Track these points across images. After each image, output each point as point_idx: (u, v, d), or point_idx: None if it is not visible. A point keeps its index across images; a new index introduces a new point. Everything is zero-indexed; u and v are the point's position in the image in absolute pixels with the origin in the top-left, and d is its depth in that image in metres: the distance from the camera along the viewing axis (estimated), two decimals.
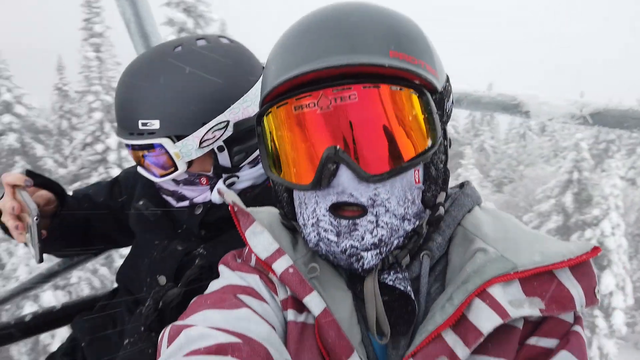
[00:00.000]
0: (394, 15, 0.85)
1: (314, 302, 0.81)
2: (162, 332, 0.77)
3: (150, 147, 1.27)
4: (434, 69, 0.84)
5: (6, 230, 1.34)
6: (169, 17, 14.52)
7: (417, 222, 0.85)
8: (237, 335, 0.72)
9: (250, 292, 0.87)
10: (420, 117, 0.81)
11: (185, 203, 1.41)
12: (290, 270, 0.84)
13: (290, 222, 0.93)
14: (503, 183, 34.47)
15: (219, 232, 1.40)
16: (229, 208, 0.94)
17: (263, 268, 0.91)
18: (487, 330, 0.73)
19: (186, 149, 1.27)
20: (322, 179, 0.80)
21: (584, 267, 0.78)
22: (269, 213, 0.98)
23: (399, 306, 0.82)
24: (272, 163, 0.89)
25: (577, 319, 0.81)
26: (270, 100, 0.85)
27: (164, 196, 1.44)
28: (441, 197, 0.88)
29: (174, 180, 1.35)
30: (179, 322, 0.77)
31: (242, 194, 1.40)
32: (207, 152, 1.29)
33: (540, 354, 0.77)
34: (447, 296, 0.78)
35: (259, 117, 0.88)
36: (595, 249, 0.78)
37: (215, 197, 1.37)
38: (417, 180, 0.85)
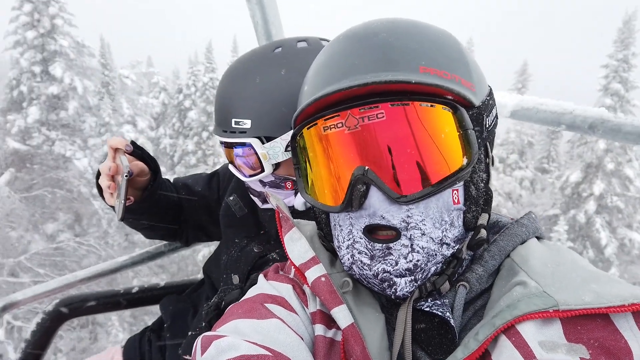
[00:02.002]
0: (427, 30, 0.82)
1: (342, 314, 0.78)
2: (195, 341, 0.78)
3: (242, 145, 1.29)
4: (470, 82, 0.79)
5: (101, 192, 1.44)
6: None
7: (458, 247, 0.80)
8: (265, 347, 0.71)
9: (281, 302, 0.86)
10: (454, 134, 0.76)
11: (270, 205, 1.40)
12: (323, 279, 0.82)
13: (329, 243, 0.91)
14: None
15: None
16: (275, 212, 0.94)
17: (298, 278, 0.90)
18: None
19: (273, 151, 1.28)
20: (353, 201, 0.78)
21: None
22: (314, 226, 0.97)
23: (439, 335, 0.78)
24: (307, 184, 0.88)
25: None
26: (301, 122, 0.84)
27: (252, 196, 1.46)
28: (483, 218, 0.82)
29: (260, 181, 1.36)
30: (210, 333, 0.77)
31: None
32: None
33: None
34: (475, 331, 0.71)
35: (293, 138, 0.87)
36: None
37: (298, 203, 1.36)
38: (456, 201, 0.79)
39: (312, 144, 0.83)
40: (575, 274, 0.73)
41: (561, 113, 1.38)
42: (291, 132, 1.20)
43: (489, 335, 0.68)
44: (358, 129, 0.76)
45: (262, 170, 1.31)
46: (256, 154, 1.29)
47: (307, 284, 0.84)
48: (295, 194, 1.36)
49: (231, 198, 1.54)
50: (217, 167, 1.82)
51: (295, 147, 0.88)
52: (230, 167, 1.41)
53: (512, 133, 23.30)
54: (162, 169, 1.49)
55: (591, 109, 1.29)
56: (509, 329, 0.68)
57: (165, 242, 1.99)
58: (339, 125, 0.77)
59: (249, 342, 0.71)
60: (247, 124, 1.27)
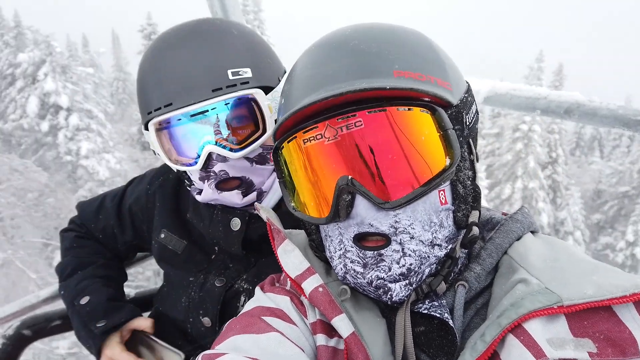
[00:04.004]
0: (399, 33, 0.81)
1: (343, 324, 0.78)
2: None
3: (237, 102, 1.10)
4: (446, 82, 0.79)
5: None
6: None
7: (450, 246, 0.80)
8: None
9: (279, 315, 0.85)
10: (435, 135, 0.76)
11: (252, 197, 1.22)
12: (320, 289, 0.82)
13: (322, 254, 0.90)
14: None
15: (259, 253, 1.27)
16: (267, 225, 0.91)
17: (295, 289, 0.88)
18: None
19: (276, 102, 1.13)
20: (340, 211, 0.77)
21: None
22: (305, 236, 0.95)
23: (439, 337, 0.78)
24: (292, 197, 0.87)
25: None
26: (281, 135, 0.83)
27: (218, 198, 1.21)
28: (474, 216, 0.82)
29: (247, 159, 1.17)
30: (209, 351, 0.75)
31: (277, 207, 1.28)
32: None
33: None
34: (481, 332, 0.71)
35: (274, 152, 0.86)
36: None
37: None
38: (443, 201, 0.79)
39: (294, 158, 0.82)
40: (574, 267, 0.74)
41: (535, 98, 1.39)
42: (282, 83, 1.19)
43: (496, 336, 0.68)
44: (337, 139, 0.76)
45: (264, 131, 1.13)
46: (259, 109, 1.11)
47: (305, 295, 0.83)
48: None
49: (162, 236, 1.37)
50: None
51: (278, 160, 0.87)
52: (211, 149, 1.12)
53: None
54: None
55: (566, 94, 1.31)
56: (516, 328, 0.68)
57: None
58: (318, 136, 0.77)
59: (249, 358, 0.70)
60: (247, 72, 1.10)
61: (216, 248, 1.33)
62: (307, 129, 0.78)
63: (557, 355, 0.64)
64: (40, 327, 1.69)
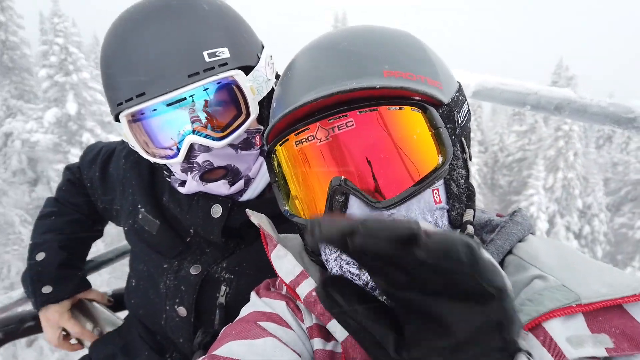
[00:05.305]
0: (388, 34, 0.82)
1: (339, 328, 0.78)
2: None
3: (218, 86, 1.01)
4: (437, 81, 0.79)
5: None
6: None
7: None
8: None
9: (275, 319, 0.85)
10: (426, 134, 0.76)
11: (239, 185, 1.16)
12: (314, 293, 0.81)
13: (317, 257, 0.89)
14: None
15: (240, 240, 1.22)
16: (260, 231, 0.91)
17: (290, 294, 0.89)
18: None
19: (257, 83, 1.06)
20: (333, 212, 0.76)
21: None
22: (301, 241, 0.95)
23: None
24: (286, 200, 0.87)
25: None
26: (273, 138, 0.83)
27: (203, 190, 1.15)
28: (468, 214, 0.82)
29: (231, 146, 1.09)
30: (205, 357, 0.75)
31: (261, 195, 1.22)
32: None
33: None
34: None
35: (267, 155, 0.86)
36: None
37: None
38: (437, 200, 0.79)
39: (287, 160, 0.83)
40: (584, 267, 0.75)
41: (526, 94, 1.37)
42: (263, 59, 1.13)
43: None
44: (329, 139, 0.76)
45: (248, 116, 1.05)
46: (240, 91, 1.03)
47: (300, 300, 0.83)
48: (261, 153, 1.18)
49: (140, 216, 1.30)
50: None
51: (272, 164, 0.86)
52: (191, 139, 1.03)
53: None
54: None
55: (557, 90, 1.30)
56: (536, 327, 0.67)
57: (119, 246, 1.86)
58: (310, 138, 0.77)
59: None
60: (225, 52, 1.01)
61: (191, 231, 1.25)
62: (298, 130, 0.78)
63: (576, 355, 0.64)
64: (13, 329, 1.64)
